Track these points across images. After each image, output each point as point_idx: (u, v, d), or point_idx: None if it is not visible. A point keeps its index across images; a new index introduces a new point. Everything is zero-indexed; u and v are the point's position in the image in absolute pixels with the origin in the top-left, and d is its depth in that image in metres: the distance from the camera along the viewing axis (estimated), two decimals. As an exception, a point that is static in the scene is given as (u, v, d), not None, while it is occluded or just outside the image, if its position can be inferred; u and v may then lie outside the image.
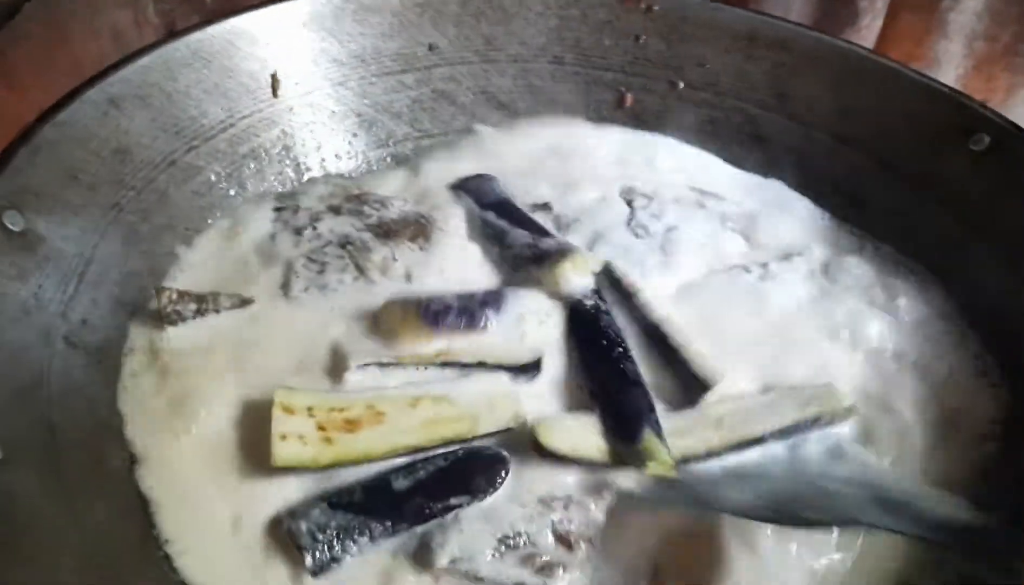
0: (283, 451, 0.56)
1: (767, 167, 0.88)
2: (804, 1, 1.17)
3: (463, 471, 0.59)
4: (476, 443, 0.60)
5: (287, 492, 0.57)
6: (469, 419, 0.61)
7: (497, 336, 0.66)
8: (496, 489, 0.58)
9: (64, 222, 0.61)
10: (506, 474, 0.59)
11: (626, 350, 0.67)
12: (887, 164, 0.84)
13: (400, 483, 0.57)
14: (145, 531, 0.55)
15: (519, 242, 0.73)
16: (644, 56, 0.89)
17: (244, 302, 0.66)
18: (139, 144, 0.69)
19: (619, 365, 0.65)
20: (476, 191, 0.79)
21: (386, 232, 0.72)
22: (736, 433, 0.63)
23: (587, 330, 0.68)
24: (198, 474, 0.57)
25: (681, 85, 0.89)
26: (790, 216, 0.84)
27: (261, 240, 0.72)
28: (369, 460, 0.58)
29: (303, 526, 0.54)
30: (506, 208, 0.78)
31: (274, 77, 0.78)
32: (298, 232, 0.72)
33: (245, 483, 0.57)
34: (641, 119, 0.90)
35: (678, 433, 0.62)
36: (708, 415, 0.64)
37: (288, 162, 0.80)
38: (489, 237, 0.76)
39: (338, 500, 0.56)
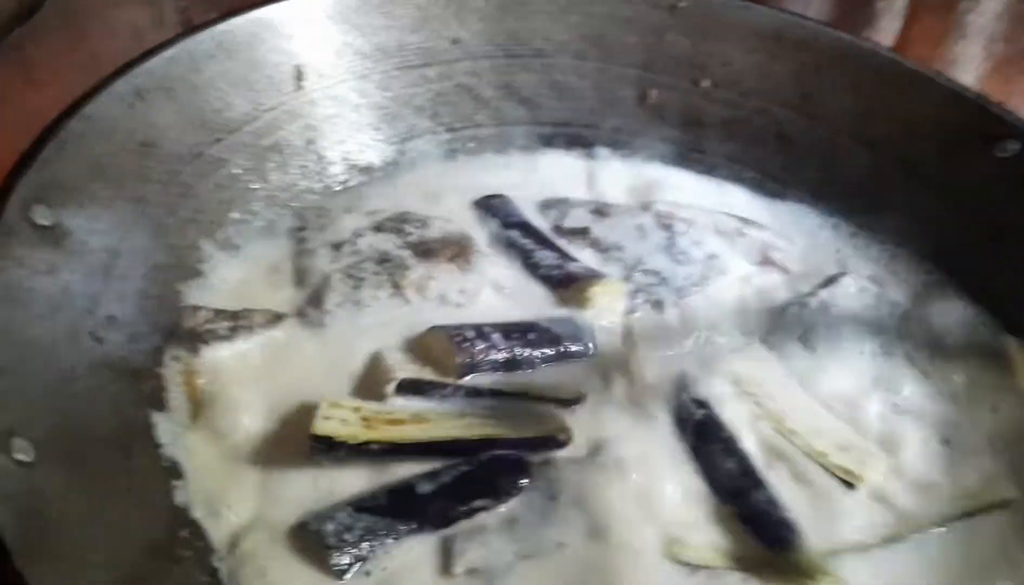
0: (324, 425, 0.58)
1: (790, 168, 0.87)
2: (823, 2, 1.16)
3: (486, 475, 0.59)
4: (503, 451, 0.60)
5: (314, 497, 0.57)
6: (513, 426, 0.62)
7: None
8: (518, 492, 0.59)
9: (91, 216, 0.61)
10: (527, 479, 0.59)
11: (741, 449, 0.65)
12: (910, 168, 0.83)
13: (424, 487, 0.58)
14: (172, 529, 0.55)
15: (546, 262, 0.73)
16: (668, 53, 0.88)
17: (277, 318, 0.66)
18: (164, 137, 0.69)
19: (745, 464, 0.64)
20: (500, 210, 0.79)
21: (425, 251, 0.72)
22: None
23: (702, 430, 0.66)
24: (225, 476, 0.58)
25: (705, 83, 0.88)
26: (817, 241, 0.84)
27: (296, 251, 0.72)
28: (405, 444, 0.59)
29: (330, 527, 0.55)
30: (530, 229, 0.78)
31: (298, 69, 0.78)
32: (337, 247, 0.72)
33: (272, 487, 0.58)
34: (664, 120, 0.89)
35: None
36: None
37: (311, 155, 0.80)
38: (514, 255, 0.75)
39: (363, 504, 0.57)
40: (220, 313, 0.64)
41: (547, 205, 0.83)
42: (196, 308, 0.63)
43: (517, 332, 0.68)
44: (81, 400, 0.55)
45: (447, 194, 0.81)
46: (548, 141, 0.90)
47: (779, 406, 0.67)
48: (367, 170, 0.83)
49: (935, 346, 0.74)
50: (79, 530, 0.48)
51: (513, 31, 0.86)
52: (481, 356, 0.65)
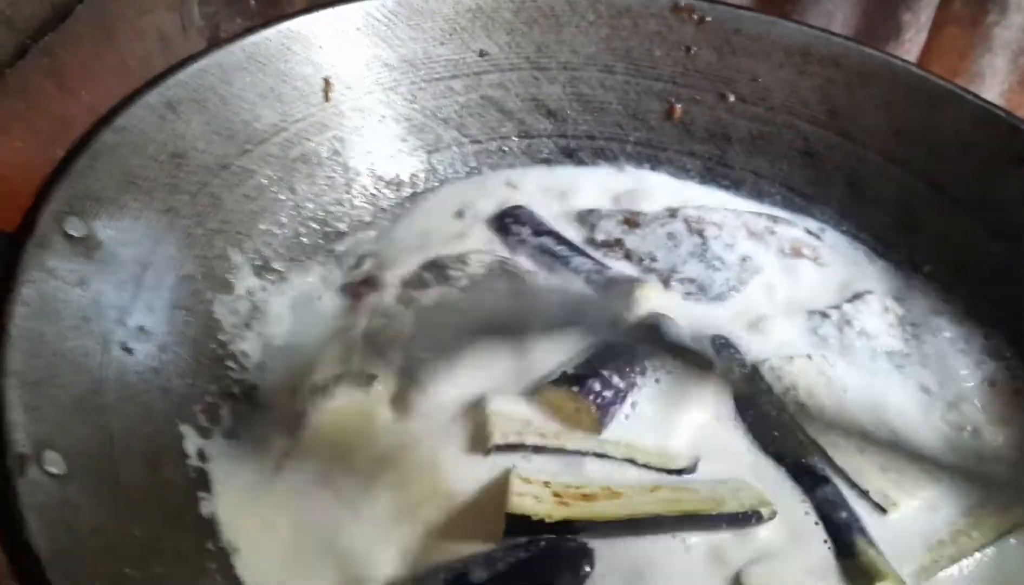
0: (519, 502, 0.56)
1: (816, 185, 0.87)
2: (848, 15, 1.16)
3: (545, 563, 0.56)
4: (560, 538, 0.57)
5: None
6: (713, 502, 0.59)
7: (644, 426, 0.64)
8: (581, 583, 0.55)
9: (122, 227, 0.62)
10: (591, 568, 0.56)
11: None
12: (939, 187, 0.83)
13: (478, 574, 0.54)
14: (199, 541, 0.55)
15: (584, 267, 0.73)
16: (694, 68, 0.88)
17: (369, 380, 0.65)
18: (194, 148, 0.69)
19: (804, 459, 0.64)
20: (527, 220, 0.79)
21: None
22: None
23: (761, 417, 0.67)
24: (258, 500, 0.58)
25: (731, 98, 0.88)
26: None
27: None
28: (603, 522, 0.57)
29: None
30: (561, 237, 0.77)
31: (327, 81, 0.78)
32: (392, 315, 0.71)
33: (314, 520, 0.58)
34: (690, 134, 0.89)
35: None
36: None
37: (338, 167, 0.80)
38: (554, 264, 0.75)
39: None
40: (315, 389, 0.64)
41: (577, 217, 0.83)
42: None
43: (627, 364, 0.66)
44: (112, 412, 0.55)
45: (472, 218, 0.82)
46: (573, 154, 0.90)
47: (825, 417, 0.67)
48: (393, 182, 0.83)
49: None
50: (109, 542, 0.48)
51: (540, 44, 0.86)
52: (610, 406, 0.64)
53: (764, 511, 0.59)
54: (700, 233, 0.80)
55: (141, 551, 0.50)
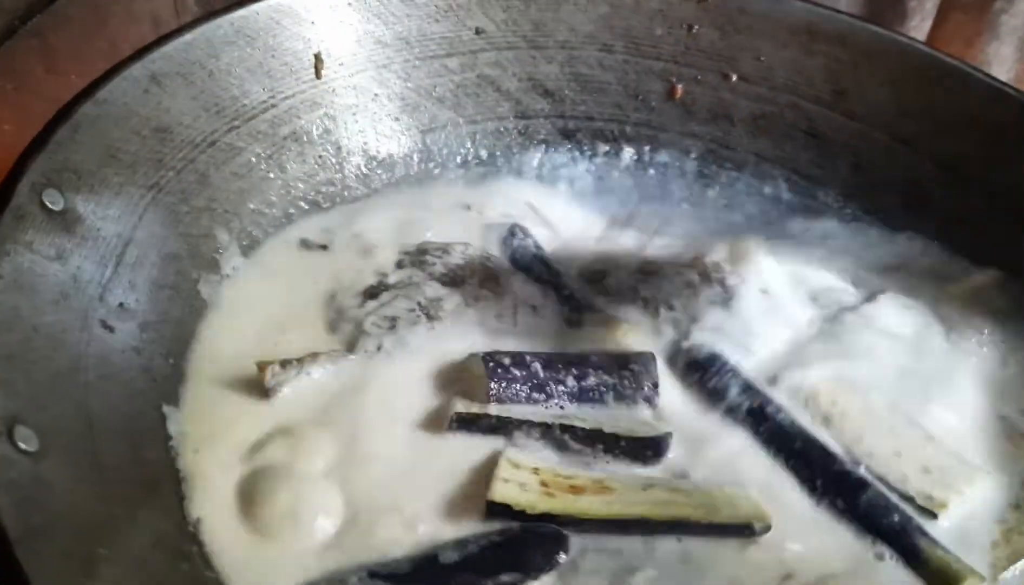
0: (501, 489, 0.55)
1: (821, 166, 0.85)
2: (852, 1, 1.14)
3: (518, 547, 0.54)
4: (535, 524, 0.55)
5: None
6: (706, 508, 0.56)
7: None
8: (552, 568, 0.54)
9: (103, 202, 0.60)
10: (564, 554, 0.54)
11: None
12: (946, 166, 0.81)
13: (448, 556, 0.53)
14: (180, 525, 0.53)
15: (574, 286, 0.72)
16: (696, 47, 0.86)
17: (340, 356, 0.64)
18: (180, 123, 0.67)
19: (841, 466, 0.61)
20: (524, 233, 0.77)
21: (453, 280, 0.70)
22: None
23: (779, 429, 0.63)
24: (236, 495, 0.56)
25: (734, 77, 0.86)
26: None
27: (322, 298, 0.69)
28: (586, 519, 0.55)
29: None
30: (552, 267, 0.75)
31: (318, 57, 0.76)
32: (364, 294, 0.69)
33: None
34: (692, 115, 0.87)
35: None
36: None
37: (329, 145, 0.78)
38: (542, 278, 0.73)
39: (379, 570, 0.52)
40: (287, 363, 0.61)
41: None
42: (263, 365, 0.60)
43: (563, 364, 0.64)
44: (91, 390, 0.53)
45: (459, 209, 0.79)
46: (571, 135, 0.88)
47: (853, 425, 0.63)
48: (386, 162, 0.81)
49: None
50: (85, 523, 0.46)
51: (538, 22, 0.84)
52: (511, 387, 0.61)
53: (758, 525, 0.57)
54: (721, 283, 0.71)
55: (118, 531, 0.48)
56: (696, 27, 0.86)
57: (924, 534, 0.58)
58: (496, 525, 0.55)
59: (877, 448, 0.62)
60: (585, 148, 0.88)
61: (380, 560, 0.53)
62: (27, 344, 0.50)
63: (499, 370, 0.61)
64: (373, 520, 0.55)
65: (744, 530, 0.57)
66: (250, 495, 0.55)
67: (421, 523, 0.55)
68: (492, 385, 0.60)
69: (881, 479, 0.61)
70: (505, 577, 0.52)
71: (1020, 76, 1.23)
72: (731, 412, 0.64)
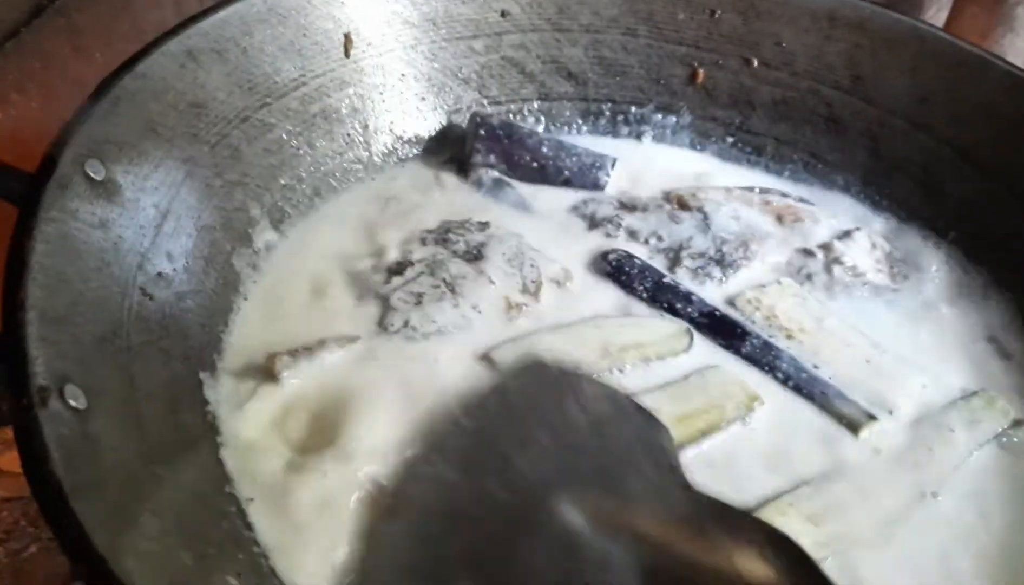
0: None
1: (840, 151, 0.86)
2: (867, -7, 1.15)
3: None
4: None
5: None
6: (716, 409, 0.64)
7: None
8: None
9: (142, 173, 0.61)
10: None
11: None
12: (964, 153, 0.82)
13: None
14: (218, 484, 0.55)
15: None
16: (718, 32, 0.87)
17: (351, 340, 0.65)
18: (214, 98, 0.68)
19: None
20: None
21: (477, 255, 0.72)
22: None
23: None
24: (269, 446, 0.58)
25: (755, 63, 0.87)
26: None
27: (349, 275, 0.71)
28: None
29: None
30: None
31: (347, 37, 0.77)
32: (389, 272, 0.71)
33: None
34: (713, 99, 0.88)
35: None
36: None
37: (357, 124, 0.79)
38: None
39: None
40: (296, 352, 0.63)
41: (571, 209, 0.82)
42: (273, 356, 0.62)
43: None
44: (132, 354, 0.55)
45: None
46: (594, 118, 0.89)
47: (812, 339, 0.70)
48: (413, 141, 0.83)
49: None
50: (129, 478, 0.48)
51: (563, 5, 0.85)
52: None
53: (756, 405, 0.65)
54: (699, 209, 0.80)
55: (160, 488, 0.49)
56: (718, 12, 0.87)
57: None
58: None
59: (834, 357, 0.69)
60: (607, 131, 0.89)
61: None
62: (73, 308, 0.51)
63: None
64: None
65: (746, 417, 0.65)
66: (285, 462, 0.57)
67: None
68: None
69: (839, 387, 0.67)
70: None
71: (1036, 68, 1.23)
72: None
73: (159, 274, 0.60)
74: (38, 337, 0.47)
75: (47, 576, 0.65)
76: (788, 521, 0.58)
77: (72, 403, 0.46)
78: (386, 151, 0.81)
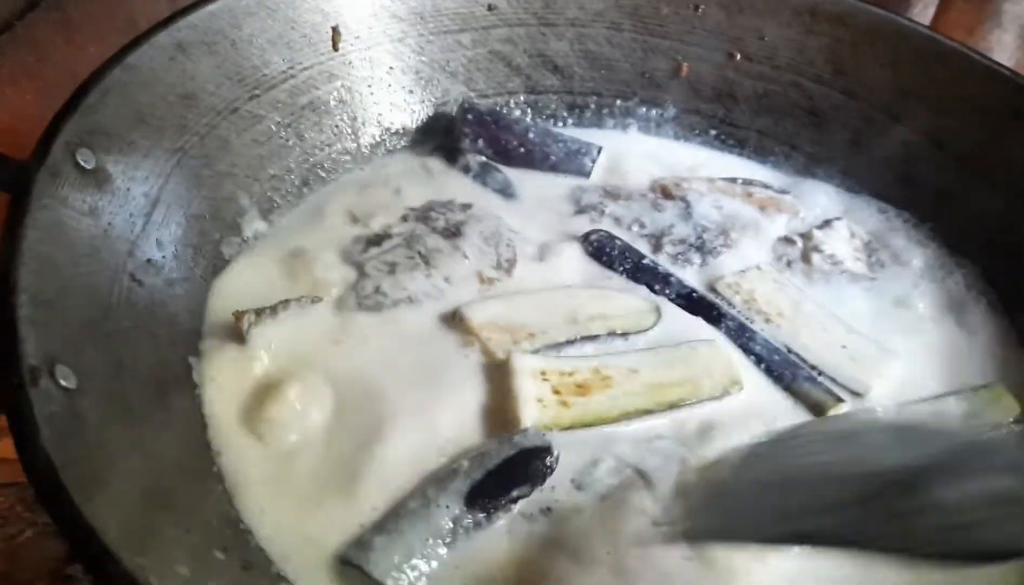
0: (528, 412, 0.60)
1: (821, 144, 0.87)
2: (856, -13, 1.16)
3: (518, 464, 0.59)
4: (521, 438, 0.60)
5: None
6: (691, 384, 0.65)
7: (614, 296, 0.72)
8: (550, 474, 0.59)
9: (132, 163, 0.62)
10: (556, 460, 0.59)
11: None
12: (942, 145, 0.83)
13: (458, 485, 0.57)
14: (206, 464, 0.56)
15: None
16: (702, 26, 0.89)
17: (314, 300, 0.67)
18: (203, 90, 0.70)
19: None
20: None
21: (455, 232, 0.74)
22: None
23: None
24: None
25: (738, 57, 0.88)
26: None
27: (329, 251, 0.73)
28: (603, 423, 0.62)
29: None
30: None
31: (335, 30, 0.78)
32: (367, 243, 0.73)
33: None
34: (696, 92, 0.89)
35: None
36: None
37: (345, 116, 0.81)
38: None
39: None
40: (262, 311, 0.64)
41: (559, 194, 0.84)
42: (239, 314, 0.63)
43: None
44: (121, 337, 0.56)
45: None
46: (580, 111, 0.90)
47: (790, 323, 0.72)
48: (400, 133, 0.84)
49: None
50: (119, 456, 0.49)
51: (548, -1, 0.87)
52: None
53: (734, 389, 0.66)
54: (682, 198, 0.82)
55: (148, 467, 0.51)
56: (702, 7, 0.88)
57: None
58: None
59: (811, 341, 0.71)
60: (592, 123, 0.90)
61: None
62: (64, 292, 0.53)
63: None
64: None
65: (724, 397, 0.66)
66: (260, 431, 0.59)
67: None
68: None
69: (816, 368, 0.70)
70: (515, 492, 0.57)
71: (1022, 63, 1.24)
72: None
73: (148, 261, 0.62)
74: (29, 319, 0.48)
75: (42, 561, 0.66)
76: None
77: (62, 383, 0.48)
78: (374, 142, 0.83)
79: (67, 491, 0.42)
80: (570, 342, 0.67)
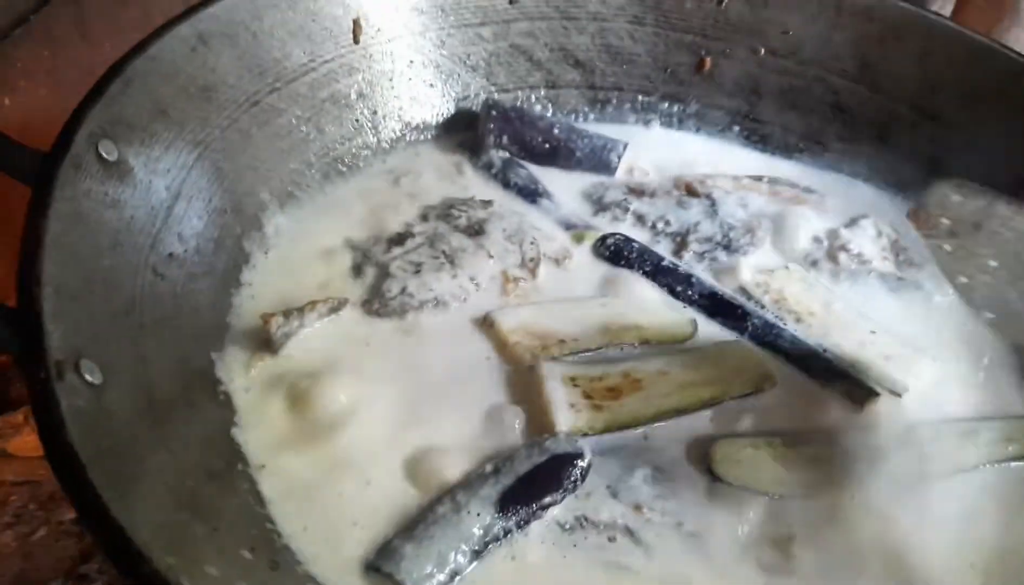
0: (563, 416, 0.59)
1: (846, 139, 0.86)
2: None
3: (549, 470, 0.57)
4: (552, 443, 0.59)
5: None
6: (723, 382, 0.64)
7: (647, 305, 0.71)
8: (583, 480, 0.57)
9: (153, 156, 0.61)
10: (589, 466, 0.58)
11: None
12: (971, 141, 0.82)
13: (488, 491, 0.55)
14: (230, 462, 0.55)
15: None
16: (726, 20, 0.87)
17: (340, 302, 0.66)
18: (224, 82, 0.69)
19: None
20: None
21: (478, 231, 0.72)
22: None
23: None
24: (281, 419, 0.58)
25: (762, 51, 0.87)
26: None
27: (351, 247, 0.72)
28: (638, 424, 0.61)
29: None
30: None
31: (356, 23, 0.77)
32: (389, 242, 0.71)
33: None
34: (720, 87, 0.88)
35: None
36: None
37: (366, 110, 0.80)
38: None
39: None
40: (290, 313, 0.63)
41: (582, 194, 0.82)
42: (267, 317, 0.62)
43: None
44: (145, 332, 0.55)
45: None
46: (601, 105, 0.89)
47: (821, 322, 0.71)
48: (421, 128, 0.83)
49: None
50: (146, 453, 0.48)
51: (570, -7, 0.86)
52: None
53: (767, 385, 0.65)
54: (707, 196, 0.80)
55: (174, 465, 0.50)
56: (725, 1, 0.87)
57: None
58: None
59: (843, 340, 0.70)
60: (614, 118, 0.89)
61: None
62: (87, 285, 0.52)
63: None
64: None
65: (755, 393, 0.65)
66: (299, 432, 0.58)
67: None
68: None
69: (851, 367, 0.68)
70: (547, 499, 0.56)
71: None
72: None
73: (170, 255, 0.61)
74: (53, 312, 0.47)
75: (56, 559, 0.65)
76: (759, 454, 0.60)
77: (88, 378, 0.47)
78: (395, 137, 0.82)
79: (95, 488, 0.41)
80: (599, 349, 0.66)
